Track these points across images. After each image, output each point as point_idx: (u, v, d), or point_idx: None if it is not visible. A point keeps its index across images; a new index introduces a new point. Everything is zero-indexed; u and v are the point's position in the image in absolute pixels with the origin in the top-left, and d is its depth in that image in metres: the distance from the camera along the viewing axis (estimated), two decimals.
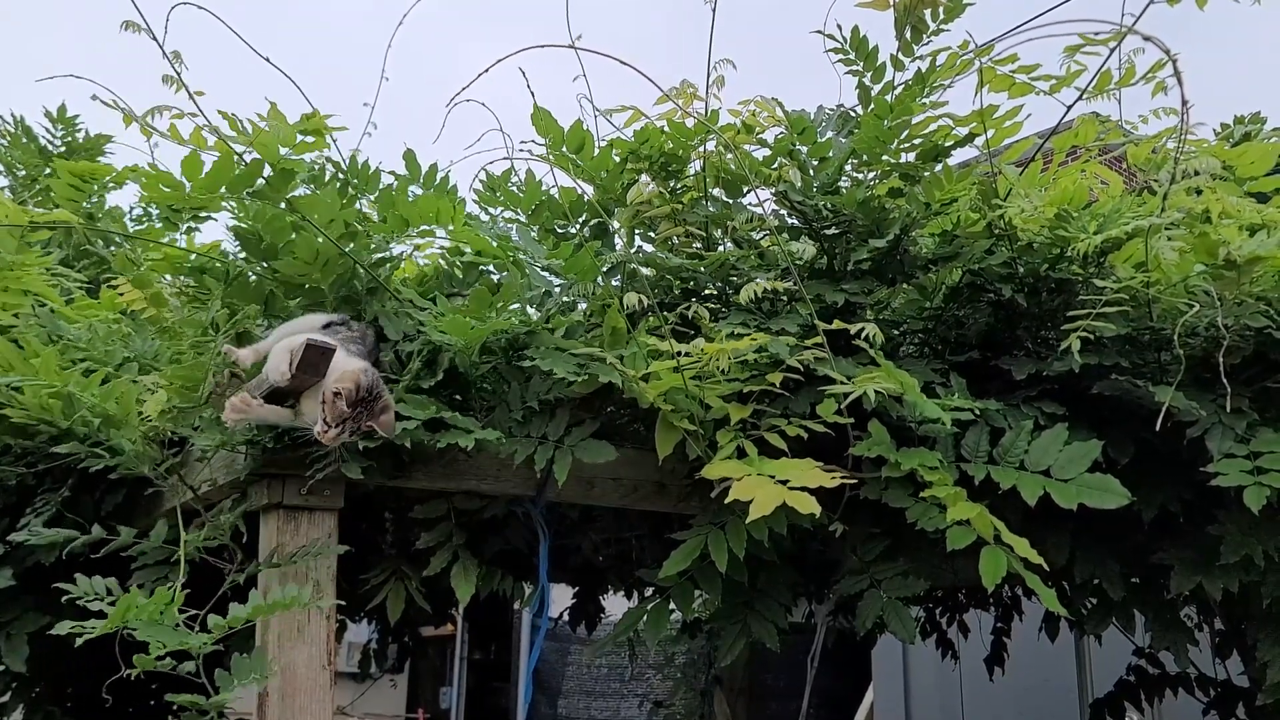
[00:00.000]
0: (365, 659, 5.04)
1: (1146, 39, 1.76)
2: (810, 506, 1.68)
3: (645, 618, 2.34)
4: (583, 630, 4.23)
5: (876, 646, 6.27)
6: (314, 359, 1.83)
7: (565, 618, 3.94)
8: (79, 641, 1.60)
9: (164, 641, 1.53)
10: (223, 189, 2.09)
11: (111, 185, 2.44)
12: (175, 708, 3.71)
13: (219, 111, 2.08)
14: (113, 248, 3.28)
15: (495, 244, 2.09)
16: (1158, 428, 1.90)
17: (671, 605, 2.32)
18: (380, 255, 2.20)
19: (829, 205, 2.10)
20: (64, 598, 1.70)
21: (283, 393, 1.92)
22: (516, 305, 2.21)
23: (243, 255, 2.09)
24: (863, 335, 1.82)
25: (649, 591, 2.44)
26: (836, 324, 1.87)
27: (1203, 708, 3.16)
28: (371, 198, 2.50)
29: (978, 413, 2.00)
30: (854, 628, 5.54)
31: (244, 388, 2.07)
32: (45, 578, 2.51)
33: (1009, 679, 4.25)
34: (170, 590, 1.65)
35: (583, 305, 2.32)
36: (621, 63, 1.87)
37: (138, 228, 3.12)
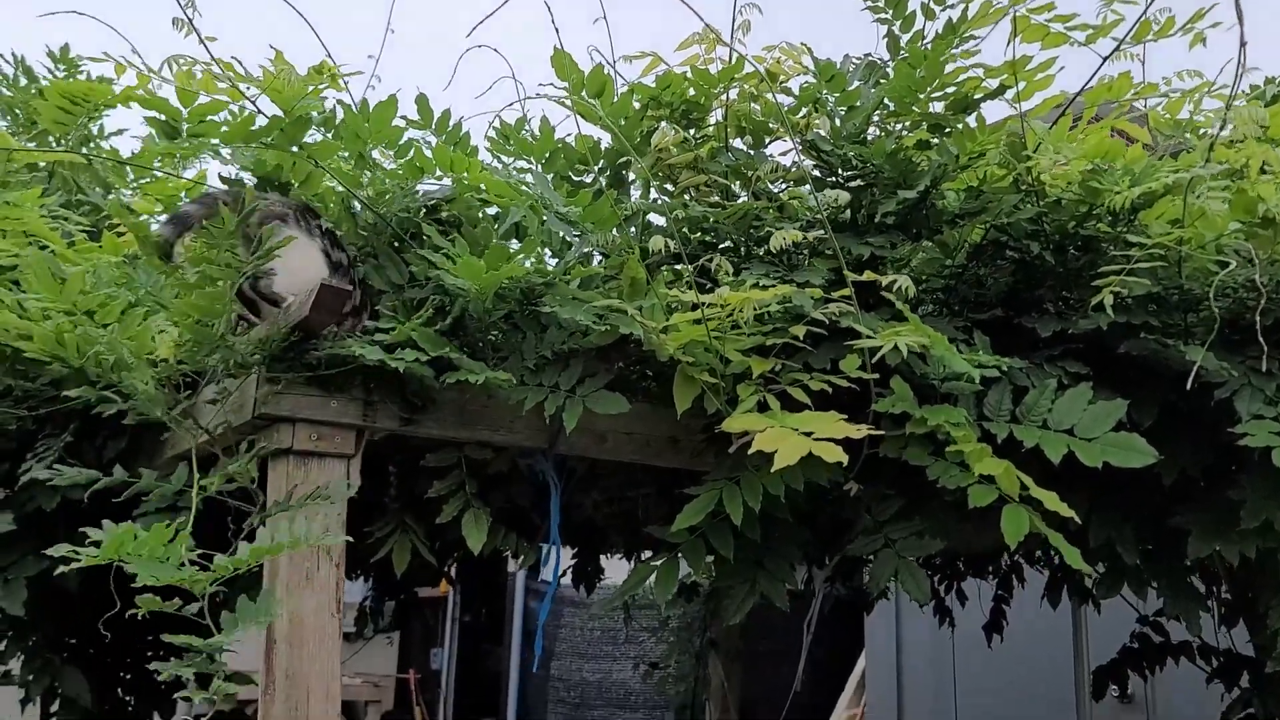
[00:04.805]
0: (361, 617, 5.04)
1: None
2: (836, 455, 1.65)
3: (655, 575, 2.32)
4: (578, 593, 4.21)
5: (870, 615, 6.28)
6: (328, 299, 1.79)
7: (568, 575, 3.92)
8: (67, 570, 1.52)
9: (158, 576, 1.48)
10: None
11: (107, 113, 2.36)
12: (173, 659, 3.68)
13: (227, 61, 2.02)
14: (108, 196, 3.22)
15: (514, 186, 2.04)
16: (1189, 387, 1.86)
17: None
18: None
19: (857, 155, 2.06)
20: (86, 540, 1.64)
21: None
22: (531, 260, 2.16)
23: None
24: (895, 287, 1.78)
25: (647, 555, 2.41)
26: (868, 275, 1.83)
27: (1206, 676, 3.16)
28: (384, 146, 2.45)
29: (1004, 370, 1.96)
30: (851, 595, 5.54)
31: (255, 329, 2.02)
32: (45, 523, 2.48)
33: (1002, 650, 4.26)
34: (172, 527, 1.59)
35: (599, 259, 2.28)
36: None
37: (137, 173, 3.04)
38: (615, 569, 3.90)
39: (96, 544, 1.48)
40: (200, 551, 1.63)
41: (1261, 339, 1.84)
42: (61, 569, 1.53)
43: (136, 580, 1.53)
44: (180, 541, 1.55)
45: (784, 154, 2.23)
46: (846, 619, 6.78)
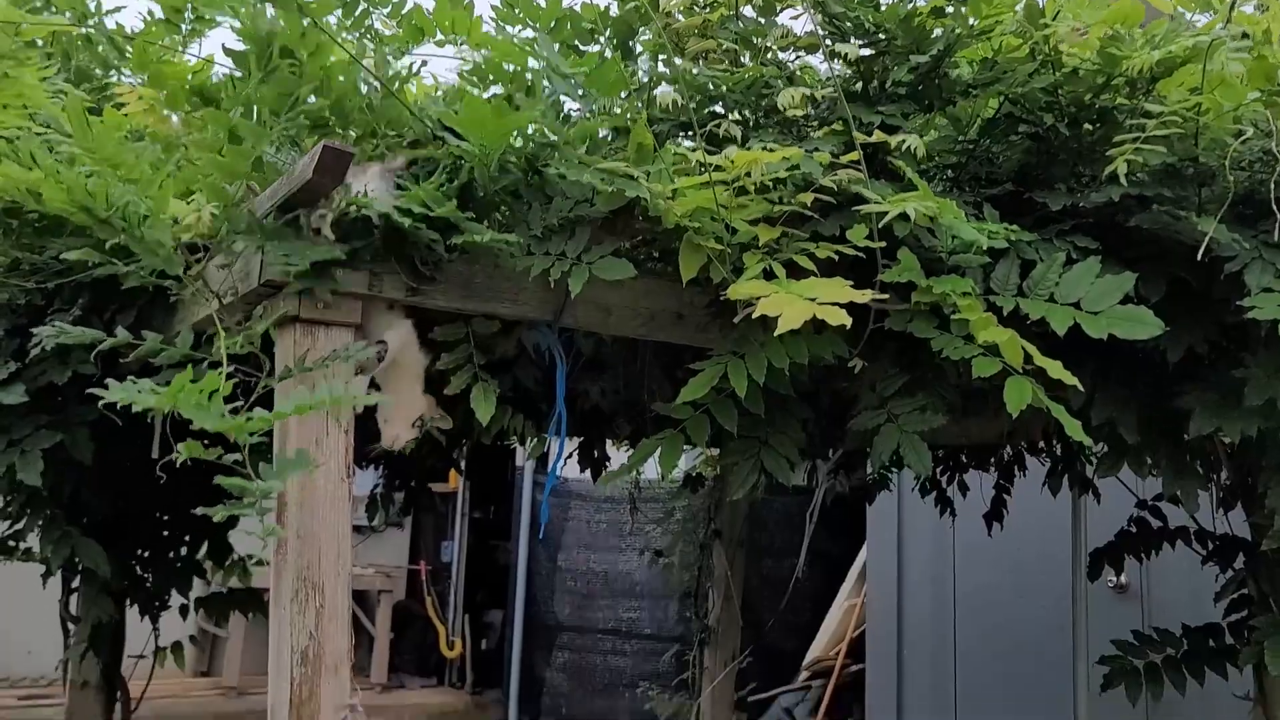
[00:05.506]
0: (372, 504, 5.12)
1: None
2: (840, 318, 1.65)
3: (659, 450, 2.34)
4: (584, 487, 4.27)
5: (871, 507, 6.38)
6: (330, 161, 1.77)
7: (575, 461, 3.98)
8: (107, 407, 1.57)
9: (208, 424, 1.52)
10: None
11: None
12: (186, 538, 3.76)
13: None
14: (110, 74, 3.16)
15: (519, 49, 2.00)
16: (1199, 258, 1.85)
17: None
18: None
19: (870, 19, 2.01)
20: (100, 402, 1.66)
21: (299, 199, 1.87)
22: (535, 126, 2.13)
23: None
24: (904, 148, 1.76)
25: None
26: (877, 136, 1.80)
27: (1201, 559, 3.21)
28: (384, 12, 2.40)
29: (1010, 242, 1.95)
30: (853, 491, 5.59)
31: (258, 199, 2.01)
32: (57, 396, 2.52)
33: (1002, 541, 4.32)
34: (218, 375, 1.63)
35: (605, 134, 2.24)
36: None
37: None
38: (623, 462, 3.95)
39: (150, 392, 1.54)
40: (232, 406, 1.68)
41: (1276, 208, 1.82)
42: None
43: (191, 426, 1.59)
44: (223, 391, 1.59)
45: (795, 18, 2.19)
46: (849, 513, 6.89)
